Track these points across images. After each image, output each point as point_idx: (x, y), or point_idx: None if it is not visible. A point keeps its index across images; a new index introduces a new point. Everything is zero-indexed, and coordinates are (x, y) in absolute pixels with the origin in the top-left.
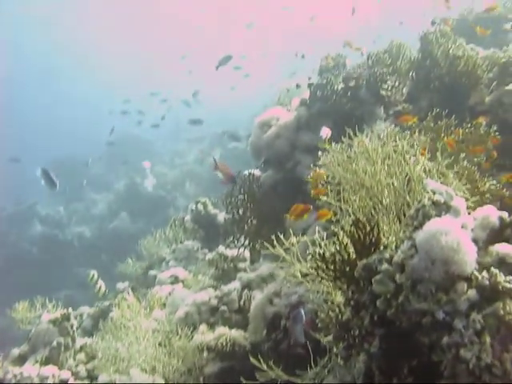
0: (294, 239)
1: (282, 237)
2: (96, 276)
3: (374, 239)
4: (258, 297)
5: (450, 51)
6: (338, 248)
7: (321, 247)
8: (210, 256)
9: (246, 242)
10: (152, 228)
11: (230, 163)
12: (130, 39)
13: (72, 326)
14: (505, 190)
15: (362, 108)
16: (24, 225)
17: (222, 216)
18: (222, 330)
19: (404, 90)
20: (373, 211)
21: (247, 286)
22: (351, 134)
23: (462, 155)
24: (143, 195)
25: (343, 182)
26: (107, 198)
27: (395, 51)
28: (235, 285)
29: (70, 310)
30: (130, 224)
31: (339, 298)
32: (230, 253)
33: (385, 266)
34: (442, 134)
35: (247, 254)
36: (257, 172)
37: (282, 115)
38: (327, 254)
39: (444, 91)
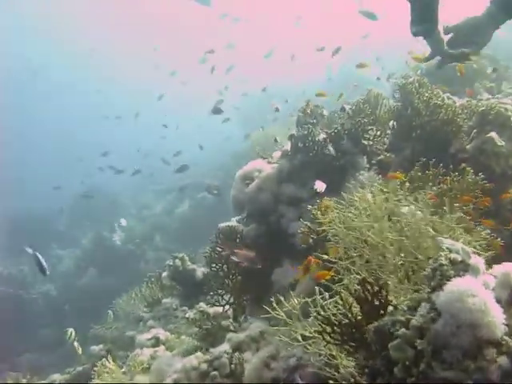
0: (295, 301)
1: (282, 299)
2: (74, 334)
3: (382, 300)
4: (252, 361)
5: (431, 100)
6: (343, 310)
7: (323, 309)
8: (190, 314)
9: (231, 299)
10: (122, 284)
11: (201, 214)
12: None
13: None
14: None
15: (345, 158)
16: None
17: (200, 271)
18: None
19: (385, 139)
20: (378, 269)
21: (237, 347)
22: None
23: (456, 205)
24: (111, 250)
25: (344, 239)
26: (73, 254)
27: (373, 100)
28: (225, 347)
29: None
30: (98, 280)
31: (345, 361)
32: (212, 310)
33: (402, 330)
34: (430, 184)
35: (230, 310)
36: (239, 226)
37: (263, 167)
38: (333, 317)
39: (426, 140)
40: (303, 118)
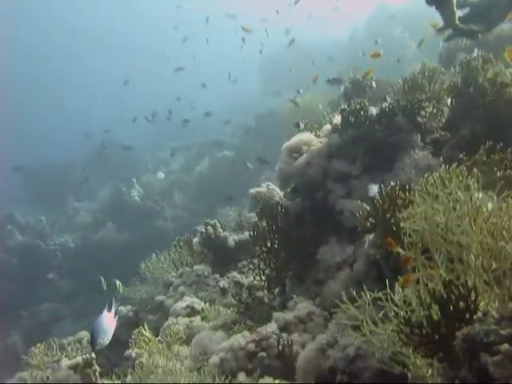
0: (367, 296)
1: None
2: (120, 285)
3: (471, 304)
4: (309, 346)
5: (497, 79)
6: (425, 312)
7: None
8: (224, 283)
9: (273, 275)
10: (139, 240)
11: (220, 172)
12: None
13: (95, 372)
14: None
15: (397, 135)
16: (2, 234)
17: (232, 239)
18: (266, 380)
19: (440, 117)
20: (462, 270)
21: (284, 328)
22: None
23: None
24: (129, 205)
25: (429, 238)
26: (90, 207)
27: (428, 74)
28: (272, 327)
29: (93, 355)
30: (116, 234)
31: (418, 362)
32: (246, 281)
33: (505, 346)
34: (496, 168)
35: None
36: (283, 200)
37: (311, 141)
38: (414, 319)
39: (487, 120)
40: (351, 90)
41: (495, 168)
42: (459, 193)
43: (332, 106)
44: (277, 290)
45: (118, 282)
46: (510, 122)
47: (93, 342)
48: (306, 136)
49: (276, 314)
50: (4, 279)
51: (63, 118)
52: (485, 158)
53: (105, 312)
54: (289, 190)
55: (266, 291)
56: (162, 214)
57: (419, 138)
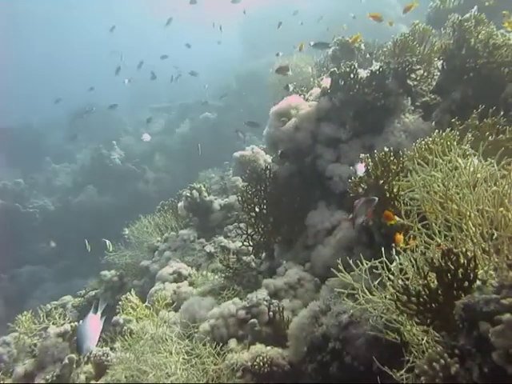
0: (364, 265)
1: (351, 263)
2: (110, 245)
3: (470, 273)
4: (300, 313)
5: (490, 40)
6: (423, 281)
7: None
8: (210, 248)
9: (262, 240)
10: (120, 203)
11: (201, 134)
12: None
13: None
14: None
15: (388, 98)
16: None
17: (217, 203)
18: (258, 347)
19: (431, 80)
20: (461, 238)
21: (275, 294)
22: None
23: None
24: (110, 168)
25: (427, 205)
26: (69, 169)
27: (418, 36)
28: (262, 294)
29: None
30: (96, 198)
31: (414, 329)
32: (233, 245)
33: (507, 316)
34: (488, 133)
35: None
36: (272, 164)
37: (300, 105)
38: (411, 287)
39: (480, 83)
40: (340, 53)
41: (487, 133)
42: (459, 160)
43: (318, 68)
44: (264, 255)
45: (107, 242)
46: (501, 85)
47: (79, 348)
48: (295, 100)
49: (266, 281)
50: None
51: (40, 79)
52: (477, 123)
53: (90, 314)
54: (277, 154)
55: (253, 256)
56: (144, 176)
57: (409, 101)
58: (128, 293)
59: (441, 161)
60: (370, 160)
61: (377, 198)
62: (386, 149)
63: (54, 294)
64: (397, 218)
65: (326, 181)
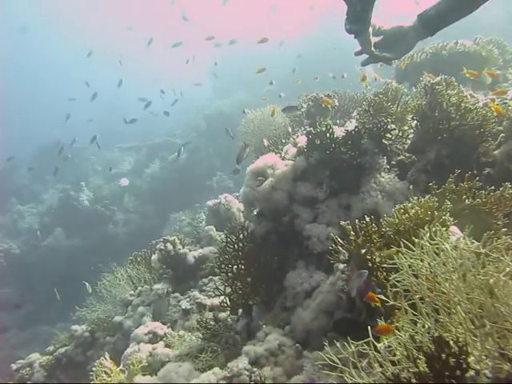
0: (350, 347)
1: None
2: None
3: (462, 362)
4: None
5: (462, 104)
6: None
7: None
8: (186, 304)
9: (239, 301)
10: (89, 246)
11: (172, 176)
12: None
13: None
14: None
15: (364, 157)
16: None
17: (191, 255)
18: None
19: (406, 140)
20: (453, 325)
21: (255, 362)
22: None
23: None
24: (79, 210)
25: (414, 287)
26: (35, 210)
27: (391, 94)
28: (243, 362)
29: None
30: (64, 240)
31: None
32: (209, 301)
33: None
34: (464, 197)
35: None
36: (248, 223)
37: (276, 164)
38: (404, 375)
39: (453, 144)
40: (314, 109)
41: (464, 196)
42: (445, 244)
43: (292, 118)
44: (240, 311)
45: (87, 284)
46: (474, 146)
47: None
48: (271, 159)
49: (246, 348)
50: None
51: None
52: (454, 187)
53: None
54: (254, 213)
55: (229, 313)
56: (113, 218)
57: (385, 160)
58: (102, 357)
59: (426, 243)
60: (350, 227)
61: (367, 272)
62: (367, 218)
63: (16, 343)
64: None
65: (304, 240)
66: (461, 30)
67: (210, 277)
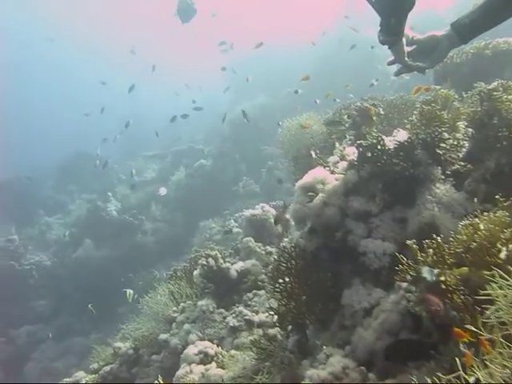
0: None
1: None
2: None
3: None
4: None
5: None
6: None
7: None
8: (233, 322)
9: (296, 320)
10: (120, 256)
11: (198, 183)
12: None
13: None
14: None
15: (417, 169)
16: None
17: (234, 270)
18: None
19: (460, 148)
20: None
21: None
22: None
23: None
24: (107, 220)
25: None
26: (62, 221)
27: (440, 102)
28: None
29: None
30: (94, 252)
31: None
32: (257, 318)
33: None
34: None
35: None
36: (300, 240)
37: (326, 178)
38: None
39: None
40: (359, 119)
41: None
42: None
43: (328, 126)
44: (290, 327)
45: (128, 292)
46: None
47: None
48: (320, 173)
49: (309, 372)
50: None
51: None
52: None
53: None
54: (305, 230)
55: (279, 329)
56: (141, 227)
57: (440, 171)
58: (156, 381)
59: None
60: (416, 246)
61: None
62: (439, 238)
63: (53, 355)
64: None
65: (359, 256)
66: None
67: (255, 291)
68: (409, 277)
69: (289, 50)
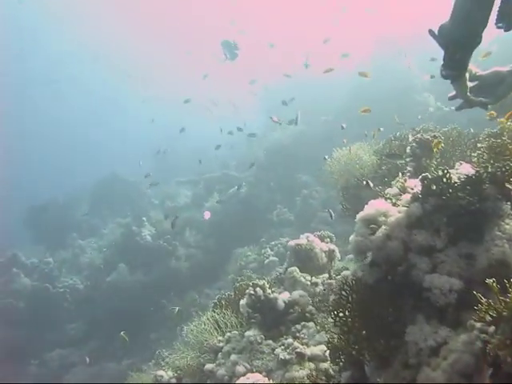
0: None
1: None
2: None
3: None
4: None
5: None
6: None
7: None
8: (283, 354)
9: (355, 355)
10: (153, 281)
11: (232, 208)
12: None
13: None
14: None
15: (484, 203)
16: (7, 278)
17: (281, 300)
18: None
19: None
20: None
21: None
22: None
23: None
24: (141, 245)
25: None
26: (95, 245)
27: (507, 134)
28: None
29: None
30: (128, 276)
31: None
32: (309, 351)
33: None
34: None
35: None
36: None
37: (389, 211)
38: None
39: None
40: (419, 151)
41: None
42: None
43: (379, 157)
44: (343, 362)
45: (176, 309)
46: None
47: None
48: (383, 206)
49: None
50: (11, 325)
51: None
52: None
53: None
54: (366, 262)
55: (330, 363)
56: (175, 253)
57: (509, 206)
58: None
59: None
60: (497, 287)
61: None
62: None
63: (84, 379)
64: None
65: (423, 292)
66: None
67: (303, 323)
68: (488, 317)
69: (324, 77)
